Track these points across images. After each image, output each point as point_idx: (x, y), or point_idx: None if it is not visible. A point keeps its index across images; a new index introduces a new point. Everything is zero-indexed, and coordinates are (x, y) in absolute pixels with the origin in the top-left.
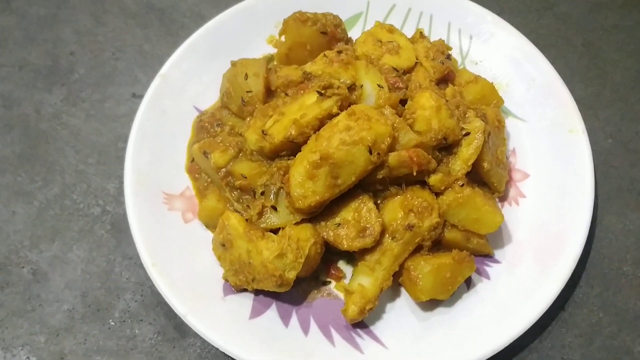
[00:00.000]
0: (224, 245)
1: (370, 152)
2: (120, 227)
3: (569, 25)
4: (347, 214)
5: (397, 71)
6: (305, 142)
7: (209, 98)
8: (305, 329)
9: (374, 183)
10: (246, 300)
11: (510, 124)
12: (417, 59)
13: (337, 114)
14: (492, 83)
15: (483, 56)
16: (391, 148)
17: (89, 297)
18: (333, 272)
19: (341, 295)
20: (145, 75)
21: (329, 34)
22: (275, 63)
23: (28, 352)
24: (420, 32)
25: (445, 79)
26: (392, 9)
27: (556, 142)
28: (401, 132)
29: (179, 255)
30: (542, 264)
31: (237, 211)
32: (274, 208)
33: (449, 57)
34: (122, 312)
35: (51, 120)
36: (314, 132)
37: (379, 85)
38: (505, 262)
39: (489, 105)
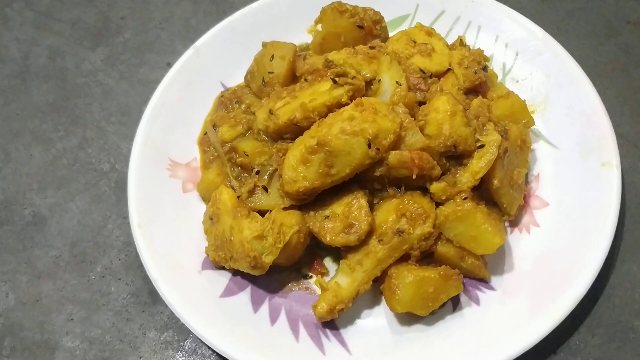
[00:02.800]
0: (212, 219)
1: (370, 146)
2: (123, 187)
3: (630, 58)
4: (338, 207)
5: (424, 73)
6: (309, 127)
7: (237, 77)
8: (274, 319)
9: (372, 181)
10: (222, 279)
11: (540, 148)
12: (450, 66)
13: (347, 104)
14: (524, 101)
15: (526, 74)
16: (395, 146)
17: (77, 247)
18: (316, 266)
19: (319, 291)
20: (184, 48)
21: (365, 29)
22: (310, 52)
23: (8, 289)
24: (461, 40)
25: (475, 90)
26: (440, 15)
27: (585, 174)
28: (409, 132)
29: (168, 222)
30: (540, 300)
31: (232, 188)
32: (265, 189)
33: (484, 68)
34: (104, 268)
35: (87, 77)
36: (320, 119)
37: (397, 82)
38: (501, 291)
39: (517, 124)
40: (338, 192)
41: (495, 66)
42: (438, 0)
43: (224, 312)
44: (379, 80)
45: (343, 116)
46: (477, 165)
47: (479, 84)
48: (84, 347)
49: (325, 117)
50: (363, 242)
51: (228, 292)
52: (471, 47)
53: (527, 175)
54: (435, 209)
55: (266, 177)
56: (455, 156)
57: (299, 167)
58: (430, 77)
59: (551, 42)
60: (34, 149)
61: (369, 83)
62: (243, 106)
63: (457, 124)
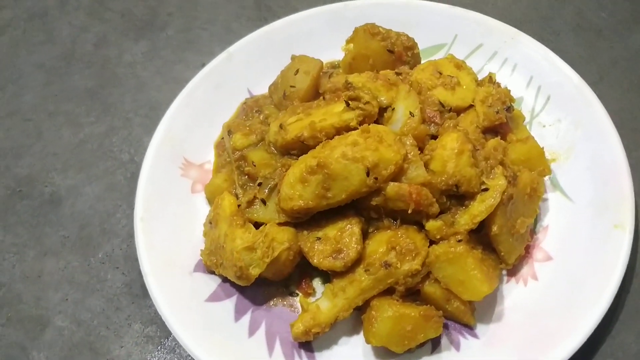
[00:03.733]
0: (210, 223)
1: (368, 174)
2: (137, 178)
3: None
4: (331, 231)
5: (443, 107)
6: (315, 147)
7: (264, 86)
8: (252, 331)
9: (369, 209)
10: (211, 283)
11: (554, 198)
12: (472, 102)
13: (355, 129)
14: (542, 148)
15: (554, 120)
16: (395, 178)
17: (84, 231)
18: (304, 285)
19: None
20: (220, 50)
21: (395, 54)
22: (339, 70)
23: (15, 261)
24: (491, 77)
25: (495, 130)
26: (477, 48)
27: (595, 233)
28: (412, 165)
29: (171, 220)
30: (522, 356)
31: (236, 195)
32: (264, 202)
33: (509, 109)
34: (105, 254)
35: (126, 68)
36: (326, 140)
37: (410, 113)
38: (484, 340)
39: (532, 171)
40: (334, 216)
41: (524, 108)
42: (478, 32)
43: (206, 316)
44: (393, 109)
45: (347, 140)
46: (478, 208)
47: (500, 124)
48: (72, 328)
49: (331, 139)
50: (350, 269)
51: (214, 297)
52: (502, 85)
53: (535, 225)
54: (429, 246)
55: (267, 190)
56: (457, 196)
57: (297, 185)
58: (450, 111)
59: (586, 90)
60: (65, 130)
61: (383, 110)
62: (262, 116)
63: (463, 163)
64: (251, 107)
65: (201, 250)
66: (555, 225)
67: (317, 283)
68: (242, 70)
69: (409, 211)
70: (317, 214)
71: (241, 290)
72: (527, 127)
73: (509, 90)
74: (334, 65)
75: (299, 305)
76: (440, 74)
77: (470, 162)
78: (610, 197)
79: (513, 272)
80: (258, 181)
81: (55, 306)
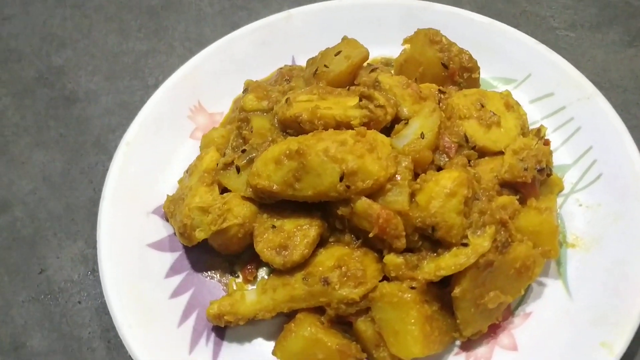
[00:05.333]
0: (187, 171)
1: (341, 180)
2: None
3: None
4: (289, 224)
5: (466, 142)
6: (304, 132)
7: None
8: (176, 293)
9: (335, 217)
10: (162, 231)
11: (553, 287)
12: (504, 149)
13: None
14: (556, 228)
15: (593, 203)
16: (372, 194)
17: (81, 137)
18: (248, 270)
19: None
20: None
21: (449, 70)
22: (389, 68)
23: (8, 140)
24: (539, 129)
25: (515, 188)
26: (546, 96)
27: (577, 343)
28: (396, 188)
29: (156, 156)
30: None
31: (224, 155)
32: (238, 169)
33: (542, 171)
34: (87, 165)
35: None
36: (323, 129)
37: (422, 134)
38: None
39: (537, 248)
40: (299, 210)
41: (567, 177)
42: (554, 79)
43: (139, 260)
44: (406, 122)
45: (337, 137)
46: (446, 262)
47: (523, 184)
48: (25, 222)
49: (326, 130)
50: (289, 271)
51: (157, 245)
52: (552, 145)
53: (517, 306)
54: (381, 281)
55: (247, 159)
56: (432, 240)
57: (270, 165)
58: (473, 149)
59: None
60: (112, 37)
61: (397, 120)
62: (287, 87)
63: (450, 207)
64: (284, 75)
65: (168, 195)
66: (539, 315)
67: (262, 273)
68: (294, 36)
69: (370, 235)
70: (284, 202)
71: (186, 250)
72: (561, 199)
73: (551, 152)
74: (387, 63)
75: (234, 286)
76: (482, 106)
77: (458, 209)
78: (614, 311)
79: (467, 346)
80: (243, 147)
81: (21, 196)
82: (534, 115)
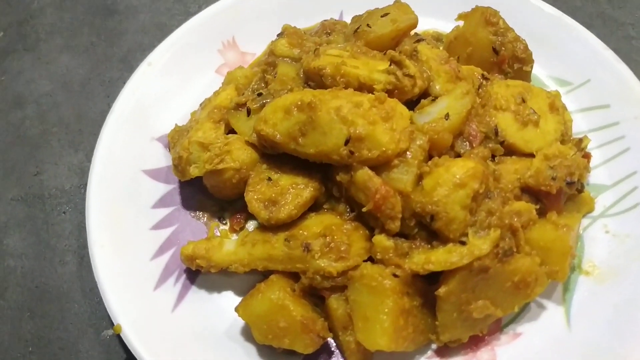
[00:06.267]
0: (200, 105)
1: (346, 143)
2: None
3: None
4: (285, 180)
5: (496, 135)
6: (325, 86)
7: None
8: (159, 226)
9: (333, 183)
10: (163, 161)
11: (553, 312)
12: (536, 153)
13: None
14: (570, 249)
15: (622, 232)
16: (377, 167)
17: (110, 50)
18: (237, 219)
19: None
20: None
21: (498, 56)
22: (439, 43)
23: (30, 31)
24: (582, 140)
25: (537, 196)
26: (601, 107)
27: None
28: (403, 166)
29: (172, 82)
30: None
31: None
32: (248, 112)
33: (572, 185)
34: (106, 79)
35: None
36: (344, 87)
37: (447, 115)
38: None
39: (544, 266)
40: (301, 168)
41: (601, 199)
42: (613, 91)
43: (130, 189)
44: (434, 99)
45: (354, 98)
46: (437, 256)
47: (546, 194)
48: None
49: (346, 89)
50: (273, 228)
51: (153, 174)
52: (592, 161)
53: (509, 323)
54: (365, 260)
55: (259, 104)
56: (429, 229)
57: (278, 113)
58: (501, 144)
59: None
60: None
61: (425, 95)
62: (325, 39)
63: (455, 198)
64: (325, 27)
65: (177, 124)
66: (530, 338)
67: (251, 227)
68: None
69: (364, 209)
70: (286, 156)
71: (181, 185)
72: (588, 221)
73: (588, 168)
74: (438, 37)
75: (216, 232)
76: (524, 101)
77: (464, 203)
78: (610, 354)
79: (443, 353)
80: (259, 91)
81: (37, 96)
82: (581, 125)
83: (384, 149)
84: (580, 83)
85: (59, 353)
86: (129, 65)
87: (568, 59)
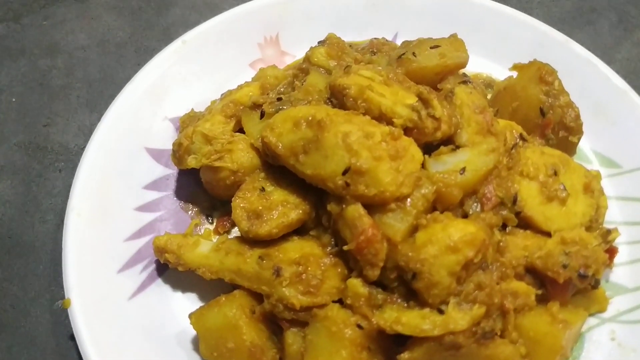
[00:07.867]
0: (222, 94)
1: (344, 173)
2: None
3: None
4: (278, 194)
5: (514, 204)
6: (345, 107)
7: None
8: (144, 208)
9: (324, 211)
10: (167, 142)
11: None
12: (553, 232)
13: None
14: (562, 348)
15: (630, 344)
16: (370, 208)
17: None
18: (224, 221)
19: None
20: None
21: (544, 119)
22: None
23: None
24: (611, 232)
25: (542, 280)
26: None
27: None
28: (399, 213)
29: (203, 69)
30: None
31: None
32: (262, 114)
33: (585, 278)
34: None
35: None
36: (363, 113)
37: (463, 169)
38: None
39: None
40: (298, 186)
41: (617, 303)
42: None
43: (126, 165)
44: (455, 149)
45: (367, 127)
46: (408, 319)
47: (553, 281)
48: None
49: (364, 115)
50: (250, 242)
51: (155, 155)
52: (618, 256)
53: None
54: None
55: (275, 109)
56: (409, 287)
57: (287, 124)
58: (516, 215)
59: None
60: None
61: (448, 142)
62: (367, 58)
63: (443, 262)
64: (373, 46)
65: (193, 109)
66: None
67: (234, 233)
68: (407, 11)
69: (345, 247)
70: (287, 171)
71: (180, 173)
72: (596, 321)
73: (609, 263)
74: (489, 84)
75: (199, 230)
76: (556, 174)
77: (453, 270)
78: None
79: None
80: (279, 95)
81: (71, 49)
82: (616, 215)
83: (382, 189)
84: (630, 169)
85: (9, 310)
86: (169, 37)
87: (623, 140)
